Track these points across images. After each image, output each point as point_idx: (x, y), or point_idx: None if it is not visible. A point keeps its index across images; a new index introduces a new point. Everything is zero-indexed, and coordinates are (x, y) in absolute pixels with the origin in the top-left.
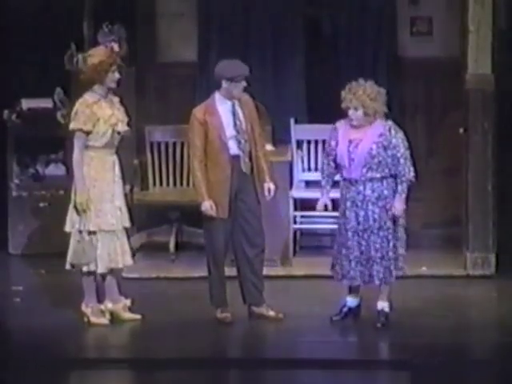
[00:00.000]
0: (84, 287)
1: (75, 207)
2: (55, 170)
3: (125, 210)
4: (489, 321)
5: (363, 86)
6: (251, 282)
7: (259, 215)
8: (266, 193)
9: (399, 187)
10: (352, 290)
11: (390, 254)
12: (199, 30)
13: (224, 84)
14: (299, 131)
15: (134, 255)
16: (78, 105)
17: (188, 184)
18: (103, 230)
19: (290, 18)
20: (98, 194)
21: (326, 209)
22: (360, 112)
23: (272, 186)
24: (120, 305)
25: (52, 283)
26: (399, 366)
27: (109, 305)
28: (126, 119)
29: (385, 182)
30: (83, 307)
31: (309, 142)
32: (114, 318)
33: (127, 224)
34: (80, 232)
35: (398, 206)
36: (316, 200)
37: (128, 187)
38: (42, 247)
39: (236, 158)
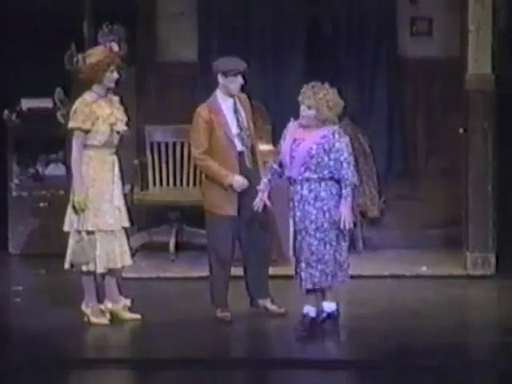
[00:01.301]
0: (84, 287)
1: (73, 206)
2: (55, 169)
3: (124, 210)
4: (489, 321)
5: (327, 90)
6: (260, 275)
7: (266, 209)
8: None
9: (344, 191)
10: (310, 297)
11: (327, 256)
12: (199, 29)
13: (220, 79)
14: None
15: (133, 255)
16: (77, 104)
17: (188, 184)
18: (101, 230)
19: (290, 17)
20: (97, 194)
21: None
22: (312, 112)
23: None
24: (120, 305)
25: (52, 283)
26: (399, 367)
27: (109, 305)
28: (125, 119)
29: (323, 183)
30: (83, 307)
31: None
32: (114, 317)
33: (126, 224)
34: (79, 232)
35: (344, 210)
36: None
37: (128, 187)
38: (42, 247)
39: (241, 154)
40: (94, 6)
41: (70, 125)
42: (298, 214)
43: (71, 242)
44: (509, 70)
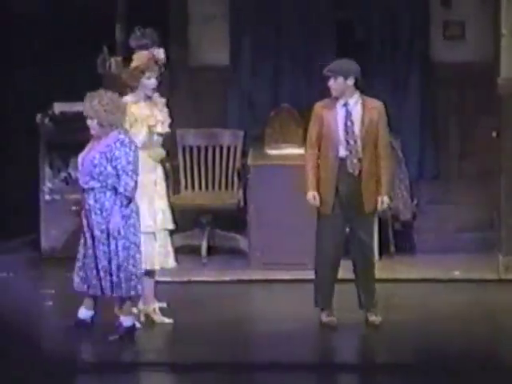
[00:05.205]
0: None
1: None
2: None
3: (168, 211)
4: None
5: (101, 96)
6: (364, 288)
7: (370, 219)
8: (379, 206)
9: (116, 199)
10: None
11: (113, 267)
12: (231, 33)
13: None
14: None
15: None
16: None
17: (220, 187)
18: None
19: (322, 21)
20: (136, 197)
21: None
22: (95, 122)
23: (386, 200)
24: (152, 307)
25: None
26: (432, 371)
27: (141, 307)
28: (168, 120)
29: (108, 193)
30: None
31: None
32: (148, 321)
33: (170, 226)
34: None
35: (113, 219)
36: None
37: None
38: (75, 250)
39: (343, 157)
40: (126, 10)
41: None
42: (90, 222)
43: None
44: None
